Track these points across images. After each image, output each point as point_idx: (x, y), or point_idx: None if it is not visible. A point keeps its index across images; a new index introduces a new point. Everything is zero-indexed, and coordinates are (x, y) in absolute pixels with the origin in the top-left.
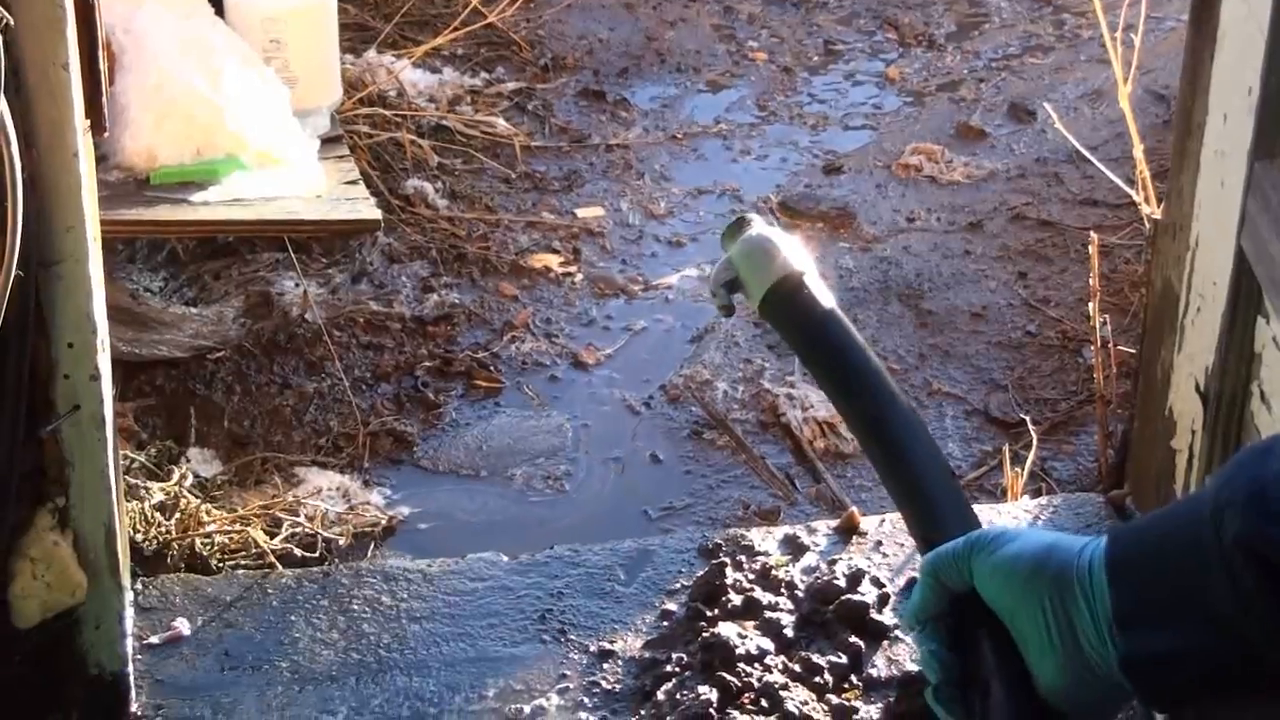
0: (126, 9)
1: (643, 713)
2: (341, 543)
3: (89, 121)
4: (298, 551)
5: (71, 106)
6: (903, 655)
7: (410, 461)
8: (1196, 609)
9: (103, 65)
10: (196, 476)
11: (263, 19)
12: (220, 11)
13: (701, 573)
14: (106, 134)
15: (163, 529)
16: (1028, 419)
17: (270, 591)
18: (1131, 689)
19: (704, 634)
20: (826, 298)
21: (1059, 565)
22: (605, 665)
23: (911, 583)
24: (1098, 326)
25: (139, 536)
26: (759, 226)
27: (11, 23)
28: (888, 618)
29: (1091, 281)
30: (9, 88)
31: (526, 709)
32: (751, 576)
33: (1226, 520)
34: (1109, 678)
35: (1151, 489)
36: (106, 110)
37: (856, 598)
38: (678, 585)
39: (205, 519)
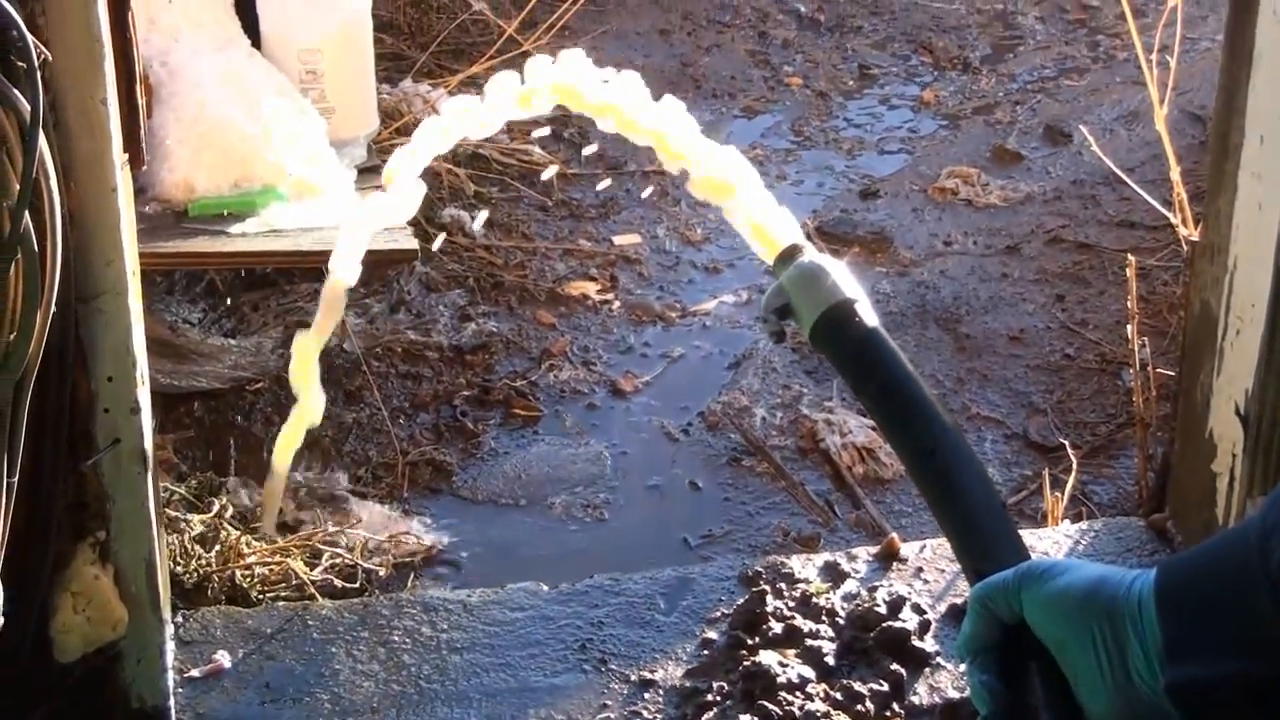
0: (164, 42)
1: None
2: (381, 573)
3: (127, 155)
4: (338, 582)
5: (110, 141)
6: (945, 683)
7: (449, 491)
8: (1244, 635)
9: (140, 99)
10: (236, 508)
11: (299, 50)
12: (257, 43)
13: (742, 601)
14: (145, 167)
15: (203, 561)
16: (1067, 443)
17: (311, 623)
18: (1178, 717)
19: (745, 662)
20: (877, 326)
21: (1110, 598)
22: (646, 695)
23: (952, 609)
24: (1136, 349)
25: (179, 569)
26: (810, 254)
27: (50, 59)
28: (929, 644)
29: (1129, 304)
30: (48, 123)
31: None
32: (792, 604)
33: (1273, 547)
34: (1160, 710)
35: (1192, 512)
36: (145, 144)
37: (897, 625)
38: (718, 613)
39: (245, 551)
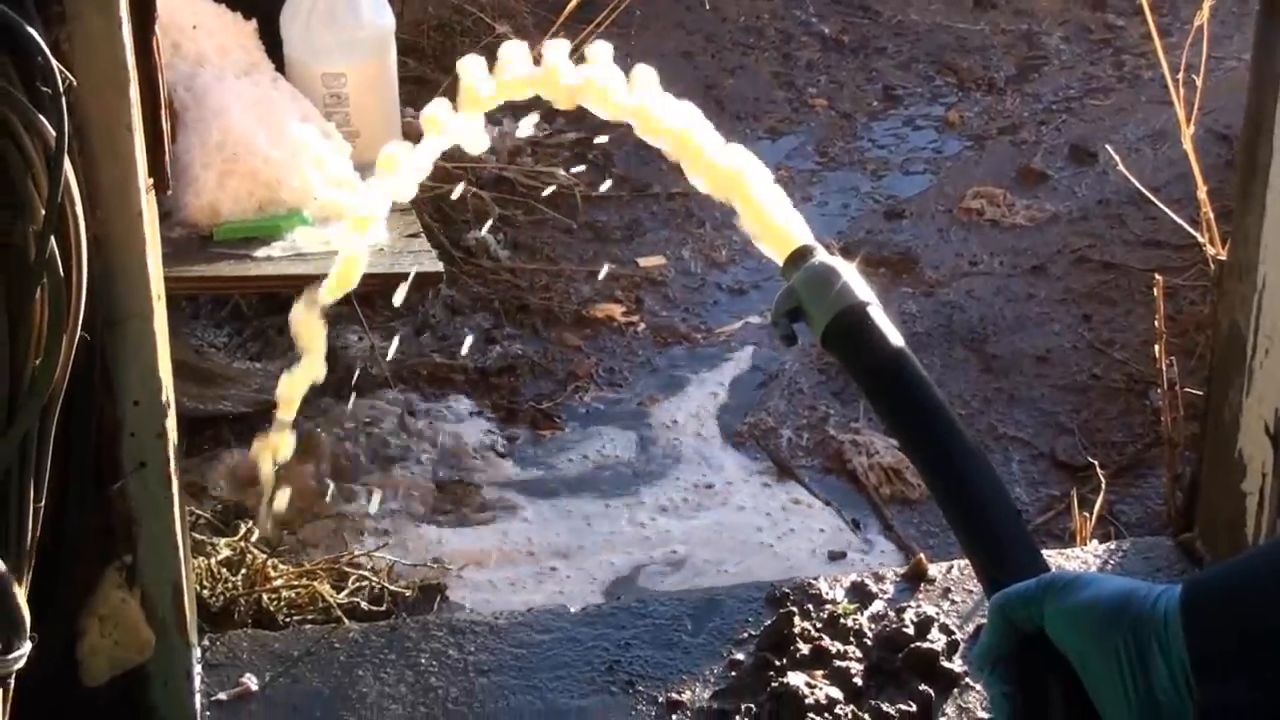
0: (188, 67)
1: None
2: (408, 595)
3: (152, 180)
4: (364, 605)
5: (135, 166)
6: (974, 703)
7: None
8: (1275, 656)
9: (165, 124)
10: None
11: (323, 74)
12: (281, 68)
13: (769, 622)
14: (169, 192)
15: (229, 585)
16: (1095, 462)
17: (337, 646)
18: None
19: (772, 684)
20: (890, 330)
21: (1135, 612)
22: (673, 716)
23: (980, 629)
24: (1164, 368)
25: (206, 593)
26: (822, 255)
27: (75, 84)
28: (957, 665)
29: (1157, 323)
30: (73, 148)
31: None
32: (819, 625)
33: None
34: None
35: (1221, 532)
36: (169, 169)
37: (926, 645)
38: (745, 635)
39: (272, 574)
